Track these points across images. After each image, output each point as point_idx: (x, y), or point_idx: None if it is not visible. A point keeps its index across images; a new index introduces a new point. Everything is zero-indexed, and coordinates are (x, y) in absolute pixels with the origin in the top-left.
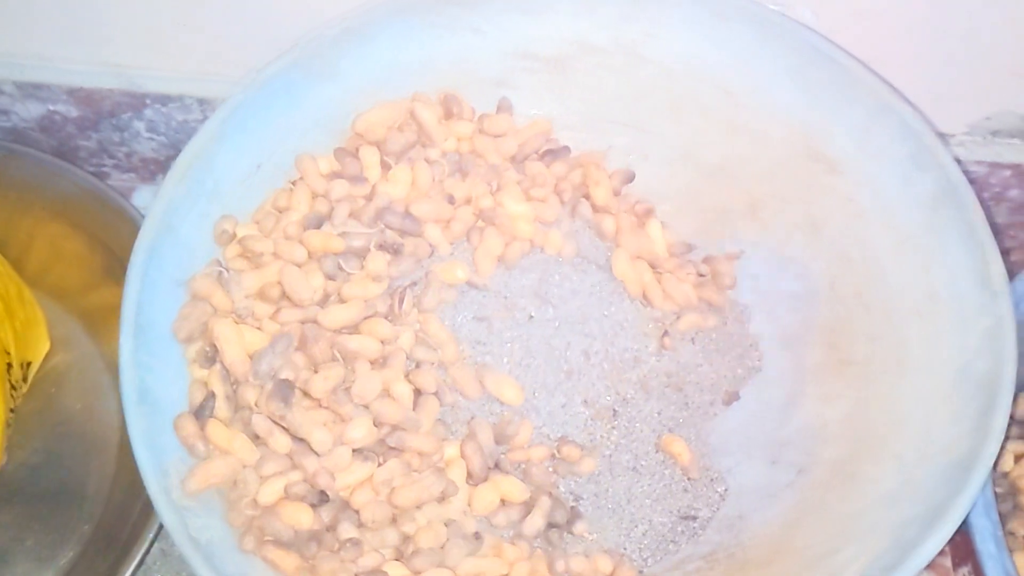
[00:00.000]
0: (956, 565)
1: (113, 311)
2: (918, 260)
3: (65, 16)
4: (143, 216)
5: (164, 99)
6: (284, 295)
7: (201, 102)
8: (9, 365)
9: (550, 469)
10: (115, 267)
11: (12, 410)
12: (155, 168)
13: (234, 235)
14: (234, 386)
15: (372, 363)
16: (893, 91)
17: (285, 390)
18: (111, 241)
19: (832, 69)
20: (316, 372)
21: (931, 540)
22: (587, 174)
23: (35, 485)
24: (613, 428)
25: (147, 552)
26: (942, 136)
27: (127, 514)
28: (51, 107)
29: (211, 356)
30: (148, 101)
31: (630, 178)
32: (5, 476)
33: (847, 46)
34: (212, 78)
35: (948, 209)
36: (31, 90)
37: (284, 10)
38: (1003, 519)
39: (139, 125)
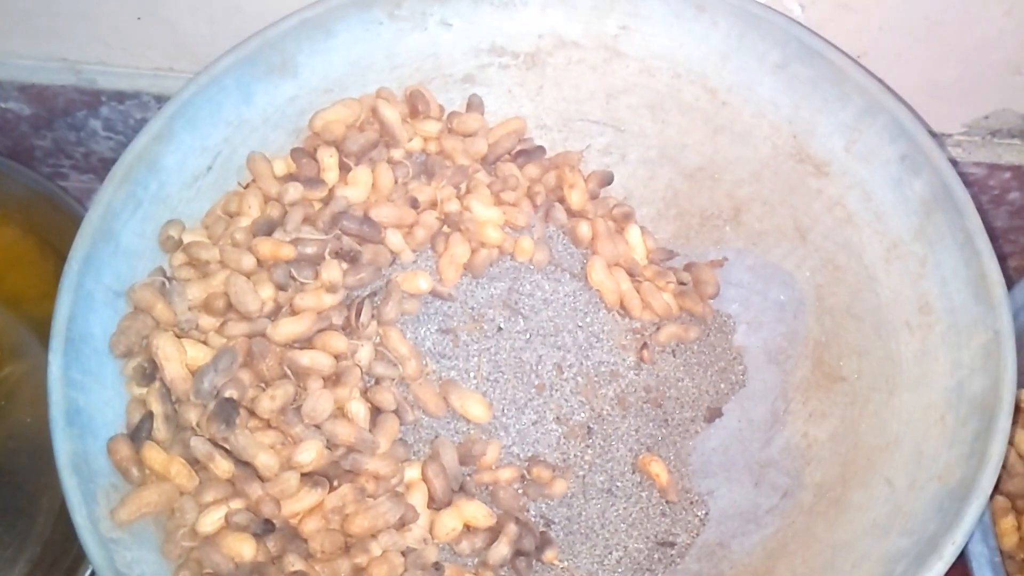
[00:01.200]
0: None
1: None
2: (910, 268)
3: (14, 9)
4: None
5: (120, 96)
6: (231, 306)
7: (159, 99)
8: None
9: (519, 491)
10: None
11: None
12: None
13: (180, 241)
14: (175, 405)
15: (325, 380)
16: (884, 89)
17: (228, 410)
18: (64, 247)
19: (819, 65)
20: (264, 390)
21: None
22: (562, 176)
23: None
24: (587, 447)
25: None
26: (937, 136)
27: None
28: (2, 104)
29: (150, 373)
30: (104, 99)
31: (608, 180)
32: None
33: (836, 41)
34: (170, 74)
35: (942, 214)
36: None
37: (245, 2)
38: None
39: (96, 124)
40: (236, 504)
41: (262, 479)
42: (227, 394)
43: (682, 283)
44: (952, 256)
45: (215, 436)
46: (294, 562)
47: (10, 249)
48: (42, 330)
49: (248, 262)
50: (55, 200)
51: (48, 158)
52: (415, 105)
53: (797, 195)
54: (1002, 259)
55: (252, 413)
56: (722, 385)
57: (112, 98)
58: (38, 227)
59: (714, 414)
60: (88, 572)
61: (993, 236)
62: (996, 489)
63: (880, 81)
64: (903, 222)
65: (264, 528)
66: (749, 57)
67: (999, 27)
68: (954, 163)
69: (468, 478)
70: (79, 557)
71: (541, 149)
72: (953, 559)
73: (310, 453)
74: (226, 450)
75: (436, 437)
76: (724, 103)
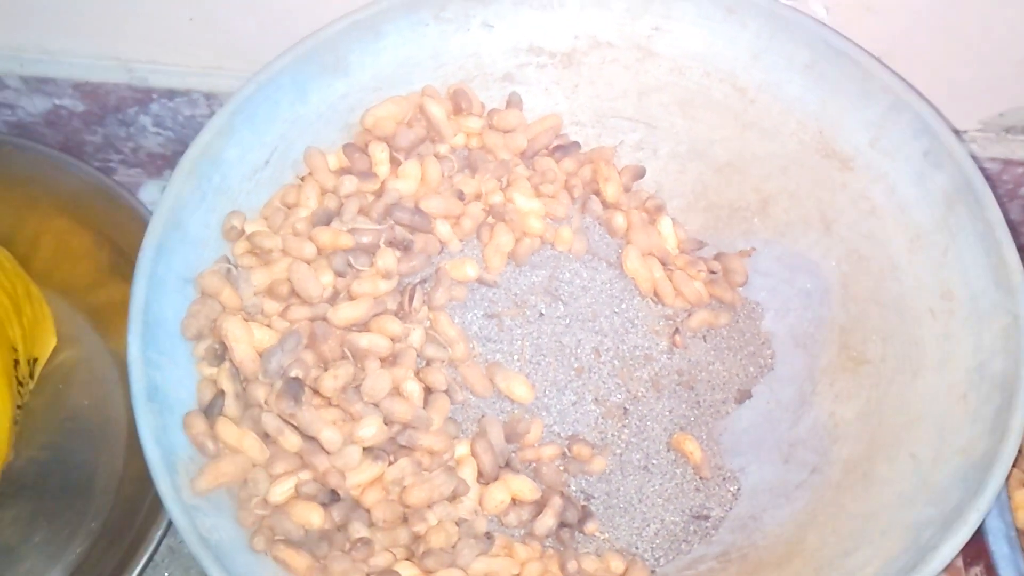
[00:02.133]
0: (968, 564)
1: (120, 307)
2: (932, 258)
3: (70, 9)
4: (150, 212)
5: (170, 94)
6: (293, 292)
7: (208, 97)
8: (16, 362)
9: (561, 468)
10: (121, 263)
11: (19, 406)
12: (161, 163)
13: (242, 231)
14: (243, 384)
15: (382, 361)
16: (908, 87)
17: (295, 388)
18: (118, 237)
19: (845, 65)
20: (326, 370)
21: (948, 543)
22: (597, 170)
23: (43, 481)
24: (624, 426)
25: (156, 549)
26: (959, 133)
27: (135, 510)
28: (57, 101)
29: (220, 354)
30: (154, 96)
31: (640, 174)
32: (13, 472)
33: (859, 41)
34: (219, 73)
35: (963, 206)
36: (37, 84)
37: (294, 4)
38: None
39: (145, 120)
40: (304, 476)
41: (327, 452)
42: (293, 374)
43: (712, 272)
44: (973, 246)
45: (283, 413)
46: (359, 529)
47: (64, 240)
48: (96, 318)
49: (309, 250)
50: (109, 193)
51: (97, 153)
52: (458, 102)
53: (823, 188)
54: (1019, 250)
55: (315, 392)
56: (751, 368)
57: (163, 95)
58: (91, 219)
59: (744, 396)
60: (150, 549)
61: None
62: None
63: (904, 80)
64: (926, 214)
65: (331, 498)
66: (778, 57)
67: (1014, 28)
68: (973, 159)
69: (513, 455)
70: (139, 536)
71: (576, 144)
72: (977, 525)
73: (371, 428)
74: (293, 426)
75: (483, 416)
76: (753, 101)
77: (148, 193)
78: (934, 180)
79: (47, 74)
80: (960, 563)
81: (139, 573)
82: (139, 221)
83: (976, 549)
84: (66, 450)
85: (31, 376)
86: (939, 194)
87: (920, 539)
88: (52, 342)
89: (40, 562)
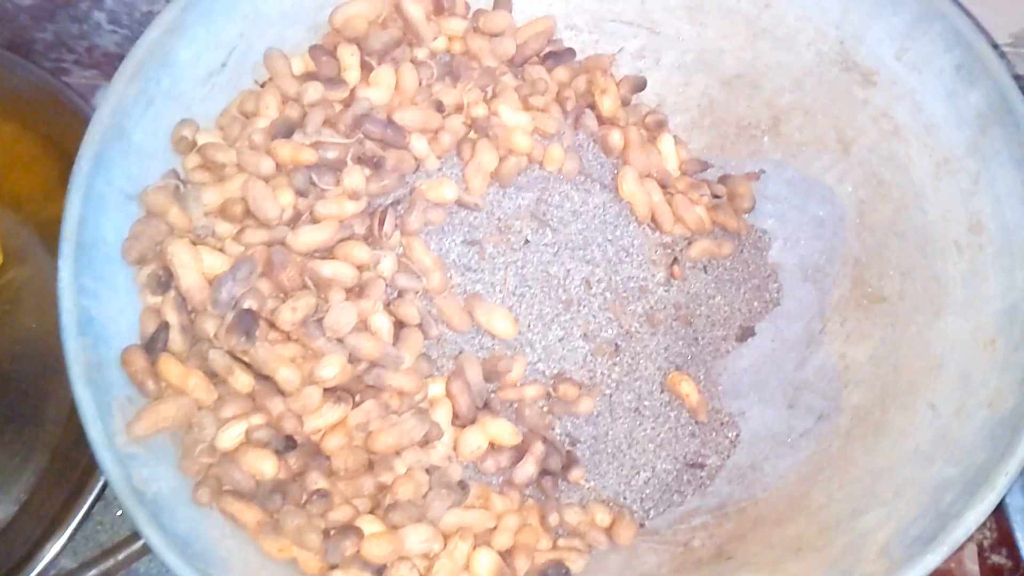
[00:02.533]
0: (991, 549)
1: None
2: (961, 185)
3: None
4: None
5: None
6: (249, 213)
7: None
8: None
9: (544, 409)
10: None
11: None
12: (120, 64)
13: (194, 143)
14: (191, 315)
15: (348, 292)
16: None
17: (248, 322)
18: (69, 146)
19: None
20: (284, 301)
21: (973, 510)
22: (593, 81)
23: None
24: (615, 365)
25: (106, 485)
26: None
27: (87, 443)
28: None
29: (165, 281)
30: None
31: (641, 86)
32: None
33: None
34: None
35: (999, 128)
36: None
37: None
38: None
39: (99, 16)
40: (256, 420)
41: (283, 394)
42: (246, 305)
43: (716, 196)
44: (1008, 173)
45: (234, 349)
46: (317, 480)
47: (11, 147)
48: (46, 232)
49: (267, 166)
50: (58, 96)
51: (49, 52)
52: (440, 1)
53: (841, 105)
54: None
55: (272, 325)
56: (755, 303)
57: None
58: (40, 124)
59: (746, 333)
60: (100, 483)
61: None
62: None
63: None
64: (955, 136)
65: (286, 445)
66: None
67: None
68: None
69: (492, 395)
70: (90, 467)
71: (571, 51)
72: (1006, 490)
73: (333, 368)
74: (245, 363)
75: (460, 352)
76: (767, 5)
77: None
78: (966, 98)
79: None
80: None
81: (86, 510)
82: None
83: (999, 532)
84: (14, 376)
85: None
86: (971, 114)
87: (940, 503)
88: None
89: None
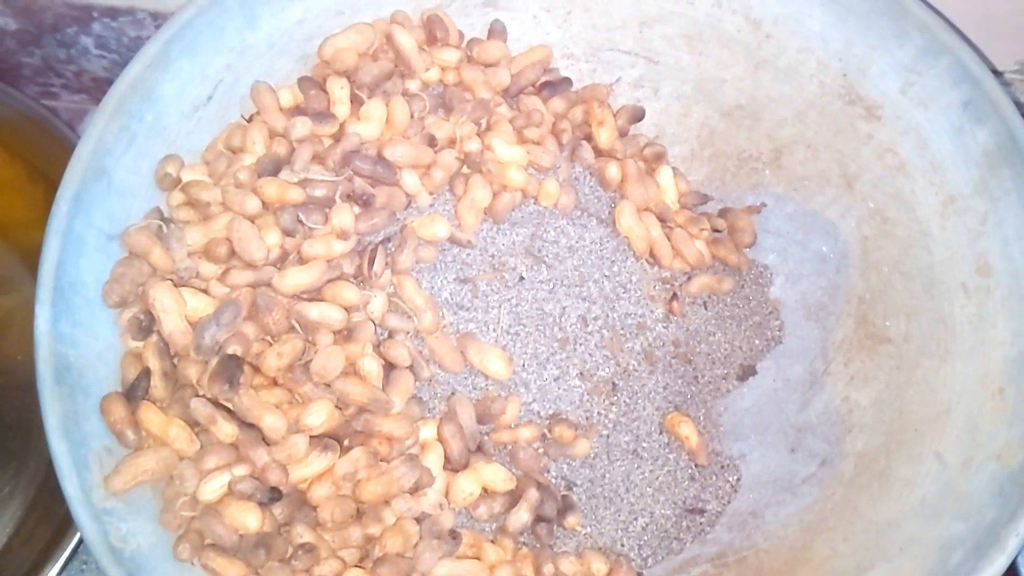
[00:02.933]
0: None
1: None
2: (968, 225)
3: None
4: None
5: (113, 12)
6: (234, 253)
7: (155, 16)
8: None
9: (540, 451)
10: None
11: None
12: (108, 88)
13: (178, 179)
14: (173, 361)
15: (336, 335)
16: (948, 26)
17: (231, 369)
18: (54, 173)
19: None
20: (270, 345)
21: (983, 572)
22: (590, 112)
23: None
24: (612, 404)
25: None
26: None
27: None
28: None
29: (146, 325)
30: (95, 14)
31: (639, 116)
32: None
33: None
34: None
35: (1007, 167)
36: None
37: None
38: None
39: (87, 41)
40: (240, 470)
41: (268, 443)
42: (230, 350)
43: (716, 230)
44: (1016, 214)
45: (217, 396)
46: (302, 533)
47: None
48: (32, 260)
49: (253, 205)
50: (44, 124)
51: (37, 76)
52: (433, 31)
53: (844, 139)
54: None
55: (257, 370)
56: (756, 341)
57: (104, 14)
58: (27, 152)
59: (747, 372)
60: None
61: None
62: None
63: (943, 18)
64: (963, 174)
65: (270, 496)
66: None
67: None
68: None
69: (486, 437)
70: None
71: (568, 81)
72: (1017, 551)
73: (320, 415)
74: (229, 411)
75: (452, 394)
76: (768, 36)
77: None
78: (974, 136)
79: None
80: None
81: (72, 550)
82: None
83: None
84: None
85: None
86: (979, 152)
87: (948, 562)
88: None
89: None
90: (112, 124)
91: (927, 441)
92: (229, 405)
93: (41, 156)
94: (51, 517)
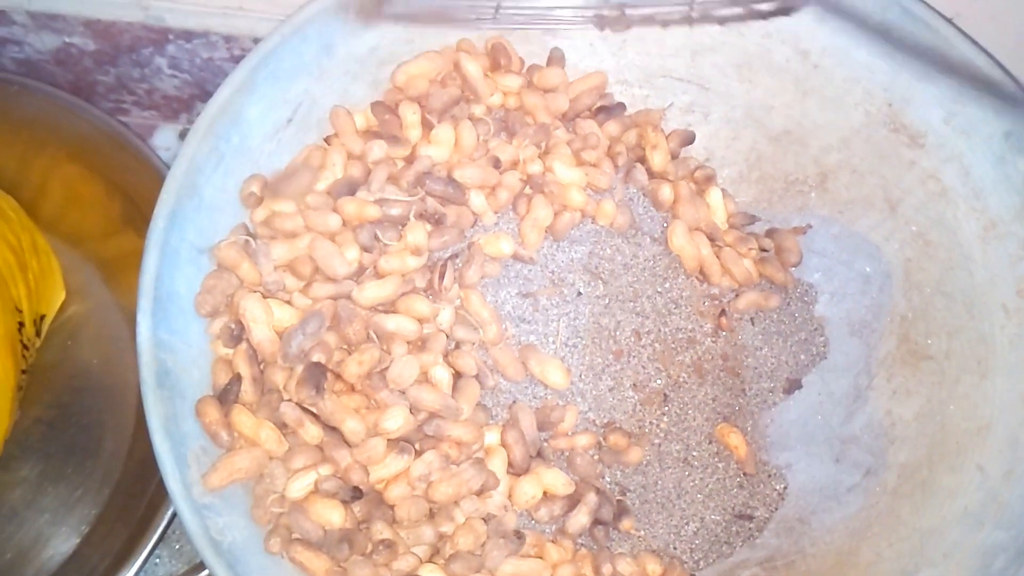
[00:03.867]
0: None
1: (131, 259)
2: (1009, 250)
3: None
4: (163, 160)
5: (188, 35)
6: (316, 269)
7: (227, 39)
8: (21, 324)
9: (595, 458)
10: (133, 214)
11: (24, 371)
12: (178, 106)
13: (262, 198)
14: (261, 367)
15: (409, 344)
16: (991, 60)
17: (317, 375)
18: (129, 186)
19: (922, 31)
20: (350, 354)
21: None
22: (644, 136)
23: (51, 442)
24: (663, 415)
25: (170, 522)
26: None
27: (148, 475)
28: (67, 39)
29: (236, 334)
30: (171, 36)
31: (690, 140)
32: (19, 432)
33: (935, 3)
34: (239, 14)
35: None
36: (46, 21)
37: None
38: None
39: (161, 61)
40: (325, 470)
41: (349, 445)
42: (315, 358)
43: (764, 250)
44: None
45: (303, 401)
46: (382, 530)
47: (73, 187)
48: (106, 269)
49: (334, 222)
50: (120, 139)
51: (110, 94)
52: (497, 58)
53: (888, 165)
54: None
55: (338, 377)
56: (802, 356)
57: (179, 36)
58: (102, 166)
59: (793, 385)
60: (165, 519)
61: None
62: None
63: (986, 52)
64: (1004, 201)
65: (352, 495)
66: (847, 20)
67: None
68: None
69: (545, 444)
70: (153, 506)
71: (622, 106)
72: None
73: (397, 420)
74: (314, 415)
75: (514, 402)
76: (816, 66)
77: (163, 137)
78: (1015, 165)
79: (56, 10)
80: None
81: (153, 546)
82: (152, 170)
83: None
84: (74, 409)
85: (38, 334)
86: (1020, 180)
87: (990, 568)
88: (60, 296)
89: (48, 527)
90: (203, 145)
91: (968, 453)
92: (314, 409)
93: (118, 171)
94: (127, 514)
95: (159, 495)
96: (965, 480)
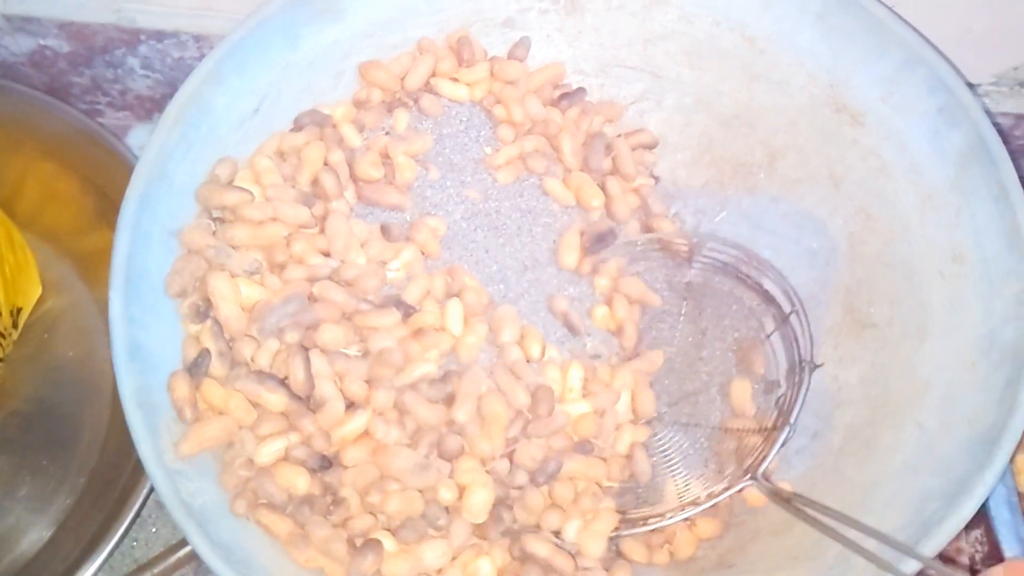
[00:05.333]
0: (967, 529)
1: (107, 255)
2: (943, 219)
3: None
4: (137, 157)
5: (159, 35)
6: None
7: (197, 39)
8: None
9: None
10: (108, 210)
11: (1, 359)
12: (150, 106)
13: (230, 182)
14: (229, 343)
15: None
16: (924, 41)
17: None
18: (104, 183)
19: (860, 16)
20: None
21: (954, 517)
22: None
23: (28, 434)
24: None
25: (143, 504)
26: (975, 89)
27: (122, 464)
28: (42, 41)
29: (203, 311)
30: (143, 37)
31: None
32: None
33: None
34: (209, 14)
35: (978, 167)
36: (21, 23)
37: None
38: None
39: (133, 62)
40: (294, 438)
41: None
42: (288, 338)
43: None
44: (987, 207)
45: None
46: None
47: (49, 184)
48: (81, 265)
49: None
50: (95, 137)
51: (85, 95)
52: (461, 53)
53: (832, 144)
54: None
55: None
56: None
57: (151, 37)
58: (77, 163)
59: None
60: (138, 503)
61: None
62: None
63: (920, 34)
64: (939, 173)
65: (321, 464)
66: (790, 7)
67: None
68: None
69: None
70: (126, 491)
71: (582, 91)
72: (983, 499)
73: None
74: (279, 382)
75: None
76: (762, 51)
77: (136, 137)
78: (948, 139)
79: (31, 13)
80: None
81: (126, 528)
82: (126, 167)
83: (976, 514)
84: (51, 402)
85: (15, 326)
86: (953, 153)
87: (924, 511)
88: (37, 291)
89: (25, 516)
90: (173, 132)
91: (908, 411)
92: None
93: (93, 168)
94: (102, 501)
95: (132, 481)
96: (904, 436)
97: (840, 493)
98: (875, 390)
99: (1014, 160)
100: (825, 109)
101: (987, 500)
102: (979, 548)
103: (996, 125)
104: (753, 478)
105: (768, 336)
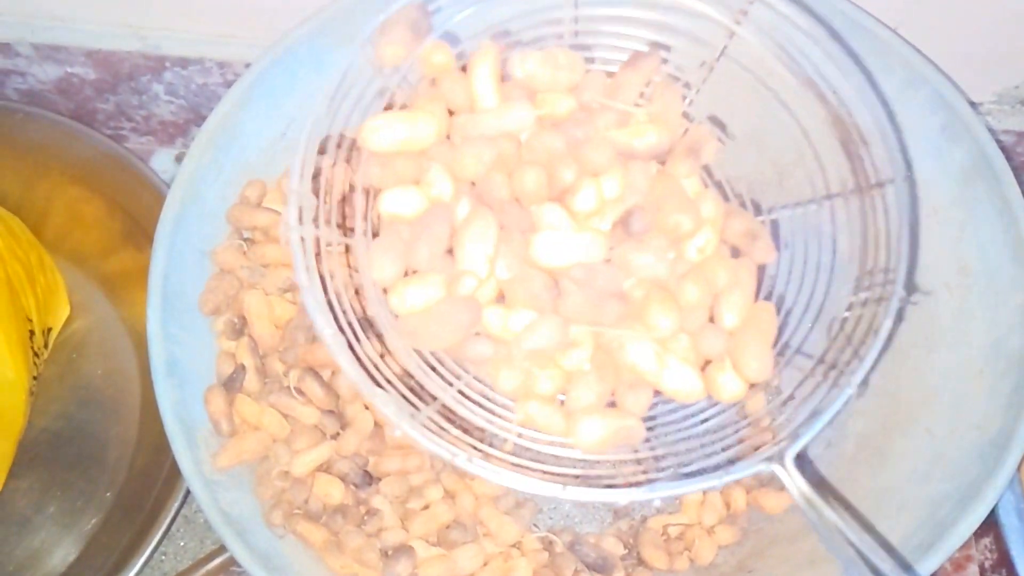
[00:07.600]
0: (977, 536)
1: (133, 276)
2: (949, 233)
3: None
4: (162, 180)
5: (183, 62)
6: None
7: (221, 65)
8: (32, 332)
9: None
10: (134, 232)
11: (35, 377)
12: (173, 131)
13: (259, 203)
14: (262, 358)
15: None
16: (926, 61)
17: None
18: (130, 205)
19: (865, 38)
20: None
21: (965, 520)
22: None
23: (57, 451)
24: None
25: (173, 519)
26: (976, 107)
27: (150, 481)
28: (69, 69)
29: (239, 328)
30: (167, 64)
31: None
32: (26, 442)
33: (874, 10)
34: (232, 41)
35: (981, 182)
36: (48, 52)
37: None
38: None
39: (158, 88)
40: (328, 450)
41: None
42: None
43: None
44: (991, 221)
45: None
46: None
47: (76, 208)
48: (107, 286)
49: None
50: (121, 161)
51: (109, 120)
52: None
53: (839, 162)
54: None
55: None
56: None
57: (175, 63)
58: (104, 187)
59: None
60: (168, 519)
61: None
62: None
63: (922, 54)
64: (943, 189)
65: (363, 479)
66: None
67: None
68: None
69: None
70: (156, 506)
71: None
72: (994, 502)
73: None
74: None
75: None
76: (770, 73)
77: (159, 161)
78: (951, 155)
79: (59, 41)
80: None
81: (155, 546)
82: (151, 190)
83: (985, 521)
84: (79, 420)
85: (45, 346)
86: (956, 169)
87: (936, 515)
88: (65, 311)
89: (54, 532)
90: (205, 155)
91: (918, 419)
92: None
93: (119, 191)
94: (131, 517)
95: (161, 498)
96: (915, 443)
97: (855, 500)
98: (886, 399)
99: (1018, 176)
100: (832, 128)
101: (996, 508)
102: (988, 555)
103: (999, 142)
104: None
105: None
